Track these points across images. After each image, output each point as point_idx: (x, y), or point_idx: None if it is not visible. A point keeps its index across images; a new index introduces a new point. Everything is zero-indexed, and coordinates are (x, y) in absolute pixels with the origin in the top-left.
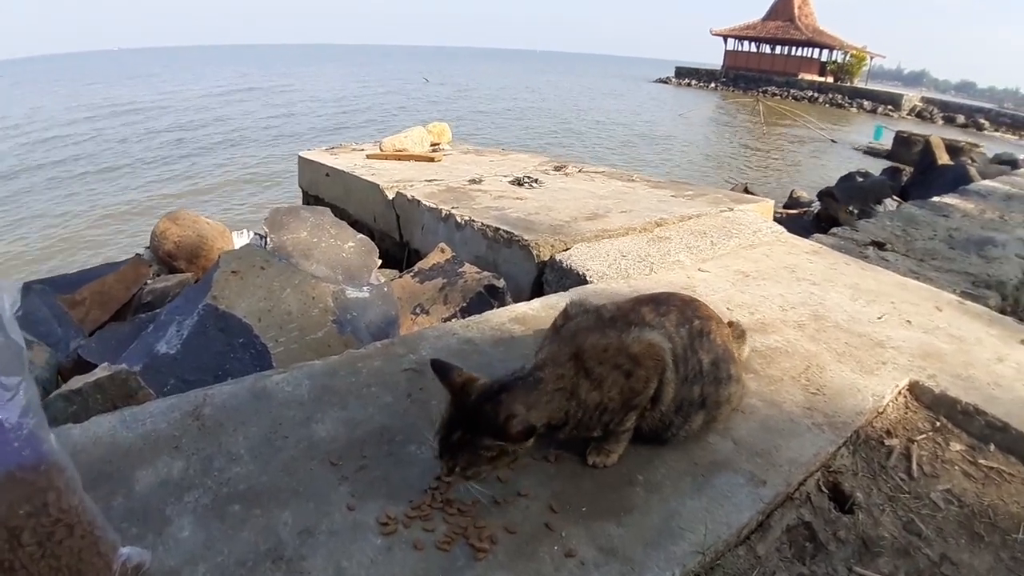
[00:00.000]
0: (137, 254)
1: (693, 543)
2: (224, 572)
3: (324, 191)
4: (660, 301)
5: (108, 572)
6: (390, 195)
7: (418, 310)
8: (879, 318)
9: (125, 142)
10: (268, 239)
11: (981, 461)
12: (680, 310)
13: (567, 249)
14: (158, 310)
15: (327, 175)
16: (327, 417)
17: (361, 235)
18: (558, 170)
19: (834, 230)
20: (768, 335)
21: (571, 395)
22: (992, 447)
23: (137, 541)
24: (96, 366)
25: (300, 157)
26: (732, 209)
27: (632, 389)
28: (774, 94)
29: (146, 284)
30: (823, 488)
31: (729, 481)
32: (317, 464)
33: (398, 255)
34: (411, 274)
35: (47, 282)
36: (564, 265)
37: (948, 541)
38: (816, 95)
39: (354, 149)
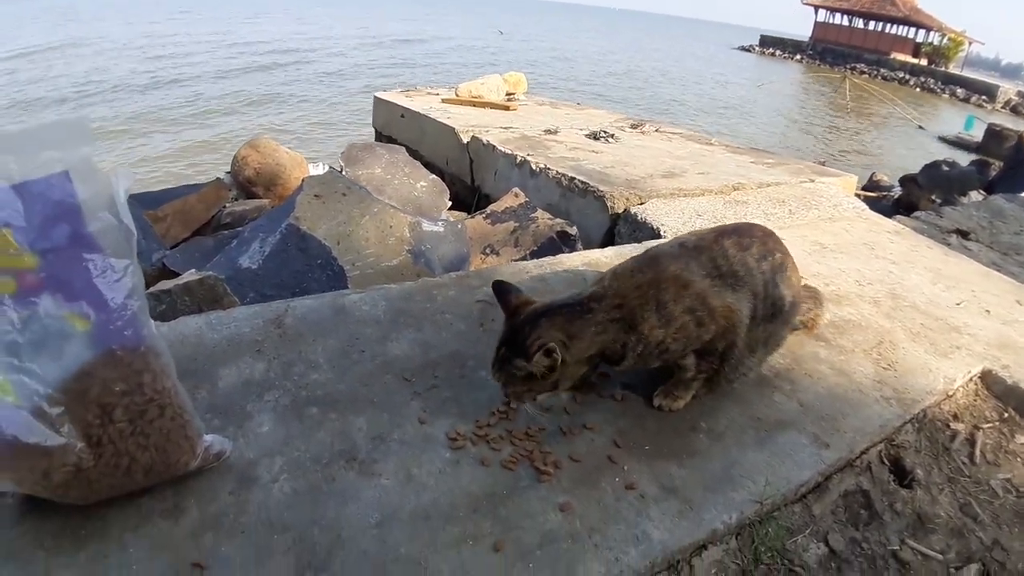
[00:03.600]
0: (218, 178)
1: (752, 492)
2: (300, 466)
3: (398, 132)
4: (742, 232)
5: (192, 455)
6: (465, 139)
7: (488, 250)
8: (958, 304)
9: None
10: (344, 172)
11: None
12: (762, 242)
13: (642, 203)
14: (239, 228)
15: (402, 116)
16: (402, 337)
17: (433, 176)
18: (635, 128)
19: (917, 214)
20: (842, 307)
21: (631, 328)
22: None
23: (219, 432)
24: (179, 275)
25: (376, 97)
26: (813, 181)
27: (699, 338)
28: (862, 72)
29: (225, 207)
30: (884, 460)
31: (792, 440)
32: (391, 379)
33: (468, 199)
34: (483, 216)
35: (132, 196)
36: (639, 218)
37: (1002, 528)
38: (907, 77)
39: (429, 93)
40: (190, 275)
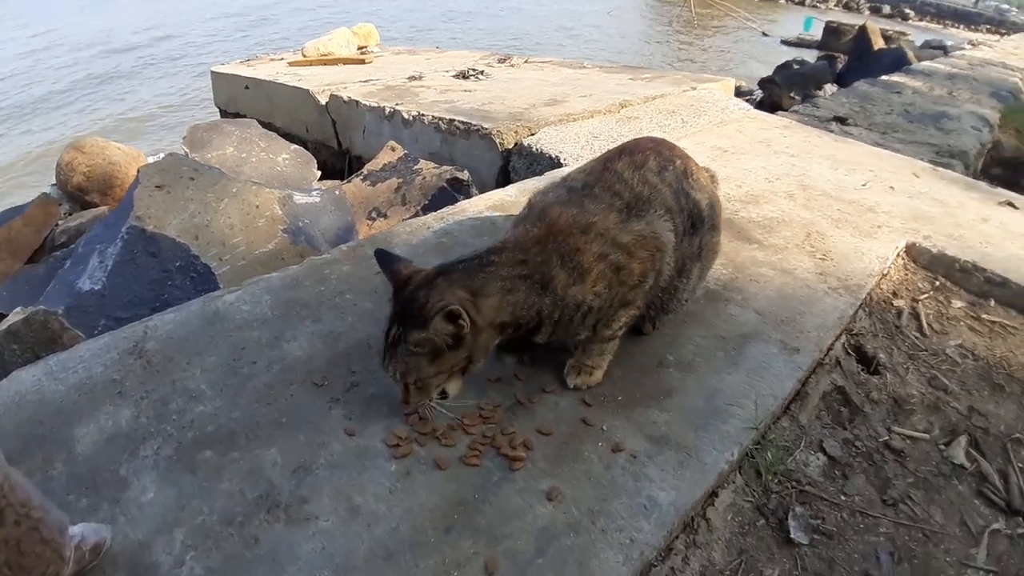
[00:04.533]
0: (44, 193)
1: (744, 419)
2: (208, 534)
3: (245, 106)
4: (631, 150)
5: (59, 561)
6: (322, 99)
7: (374, 214)
8: (863, 185)
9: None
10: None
11: (984, 316)
12: (656, 152)
13: (533, 134)
14: (73, 246)
15: (247, 88)
16: (300, 333)
17: (295, 146)
18: (502, 62)
19: (795, 108)
20: (761, 206)
21: (543, 288)
22: (992, 302)
23: (91, 515)
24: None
25: (213, 72)
26: (695, 88)
27: (623, 283)
28: None
29: (58, 224)
30: (849, 351)
31: (762, 352)
32: (298, 388)
33: (338, 165)
34: (360, 178)
35: None
36: (534, 149)
37: (972, 394)
38: None
39: (272, 59)
40: (15, 315)
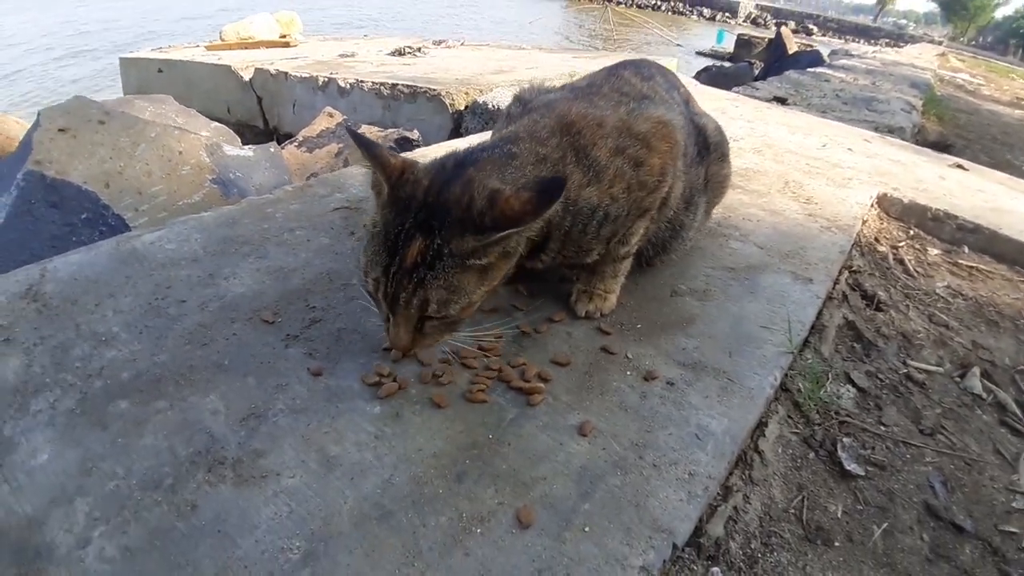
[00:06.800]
0: None
1: (777, 344)
2: (124, 503)
3: (159, 91)
4: (636, 65)
5: None
6: (246, 75)
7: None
8: (823, 146)
9: None
10: None
11: (960, 262)
12: (662, 74)
13: (487, 94)
14: None
15: (160, 71)
16: (241, 270)
17: (216, 123)
18: (438, 44)
19: (736, 88)
20: (732, 159)
21: None
22: (966, 249)
23: None
24: None
25: (122, 59)
26: None
27: (643, 185)
28: (619, 2)
29: None
30: (853, 287)
31: (777, 281)
32: (243, 326)
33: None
34: (295, 144)
35: None
36: (491, 106)
37: (971, 330)
38: (659, 3)
39: (186, 47)
40: None
